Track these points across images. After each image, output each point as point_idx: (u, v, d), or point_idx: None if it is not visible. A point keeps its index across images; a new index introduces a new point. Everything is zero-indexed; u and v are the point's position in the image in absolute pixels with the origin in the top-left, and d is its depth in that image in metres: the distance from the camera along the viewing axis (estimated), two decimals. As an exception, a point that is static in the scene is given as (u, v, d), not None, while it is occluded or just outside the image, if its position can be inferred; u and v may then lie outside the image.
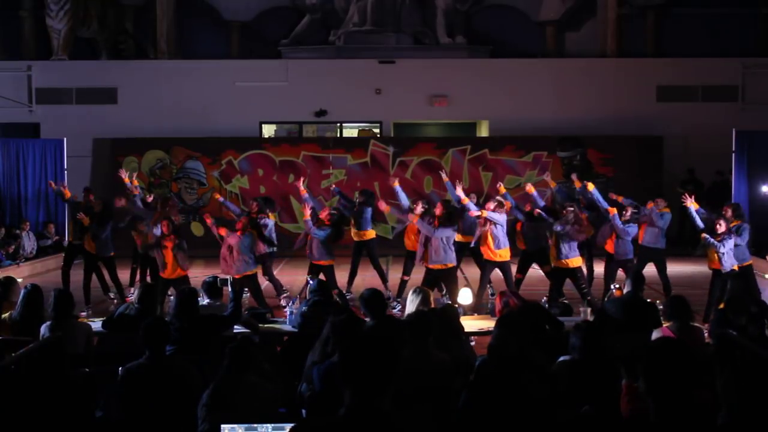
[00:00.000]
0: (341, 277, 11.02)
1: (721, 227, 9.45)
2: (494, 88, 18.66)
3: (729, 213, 9.91)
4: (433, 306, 6.47)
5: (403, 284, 10.83)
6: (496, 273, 10.24)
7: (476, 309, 9.20)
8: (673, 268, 11.37)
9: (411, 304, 6.49)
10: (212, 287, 7.62)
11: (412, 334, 5.07)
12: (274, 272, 11.55)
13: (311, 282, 8.11)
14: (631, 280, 7.63)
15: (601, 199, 10.69)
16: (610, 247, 10.43)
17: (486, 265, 10.24)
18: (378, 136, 18.86)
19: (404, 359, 3.11)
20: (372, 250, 11.69)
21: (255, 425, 3.80)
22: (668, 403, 2.86)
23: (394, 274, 11.85)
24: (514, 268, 10.47)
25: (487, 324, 7.57)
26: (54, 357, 4.67)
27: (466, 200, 10.21)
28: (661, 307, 7.28)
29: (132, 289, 11.18)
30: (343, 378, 2.69)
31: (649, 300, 7.73)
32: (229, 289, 7.31)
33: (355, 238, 11.69)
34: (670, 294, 9.53)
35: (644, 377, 2.93)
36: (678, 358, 2.92)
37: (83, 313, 8.58)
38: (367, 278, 11.93)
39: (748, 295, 7.67)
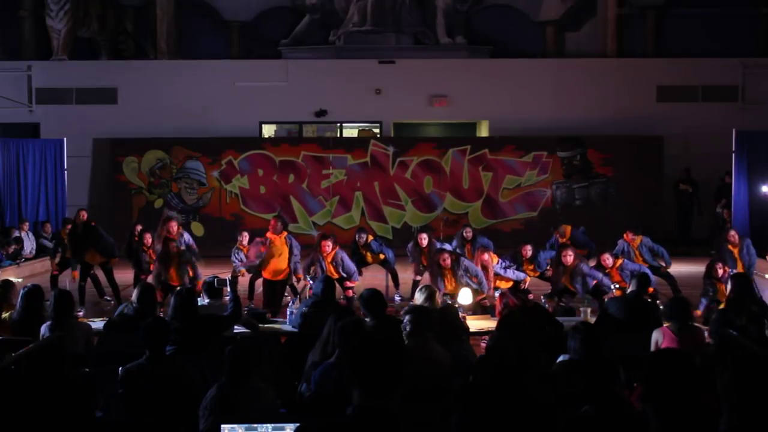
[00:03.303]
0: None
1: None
2: (494, 88, 18.63)
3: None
4: (439, 305, 6.49)
5: (415, 284, 10.80)
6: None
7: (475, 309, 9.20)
8: (674, 268, 11.34)
9: (417, 302, 6.52)
10: (212, 287, 7.61)
11: (411, 328, 5.07)
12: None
13: (311, 282, 8.11)
14: (636, 280, 7.59)
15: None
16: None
17: None
18: (378, 136, 18.84)
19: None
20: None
21: (255, 425, 3.80)
22: (668, 411, 2.86)
23: (404, 274, 11.86)
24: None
25: (487, 324, 7.58)
26: (54, 357, 4.67)
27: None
28: (662, 307, 7.28)
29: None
30: (352, 378, 2.69)
31: (649, 300, 7.73)
32: (229, 289, 7.29)
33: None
34: (678, 292, 9.53)
35: (645, 387, 2.93)
36: (679, 371, 2.92)
37: (79, 313, 8.58)
38: (367, 278, 11.90)
39: (748, 295, 7.66)
